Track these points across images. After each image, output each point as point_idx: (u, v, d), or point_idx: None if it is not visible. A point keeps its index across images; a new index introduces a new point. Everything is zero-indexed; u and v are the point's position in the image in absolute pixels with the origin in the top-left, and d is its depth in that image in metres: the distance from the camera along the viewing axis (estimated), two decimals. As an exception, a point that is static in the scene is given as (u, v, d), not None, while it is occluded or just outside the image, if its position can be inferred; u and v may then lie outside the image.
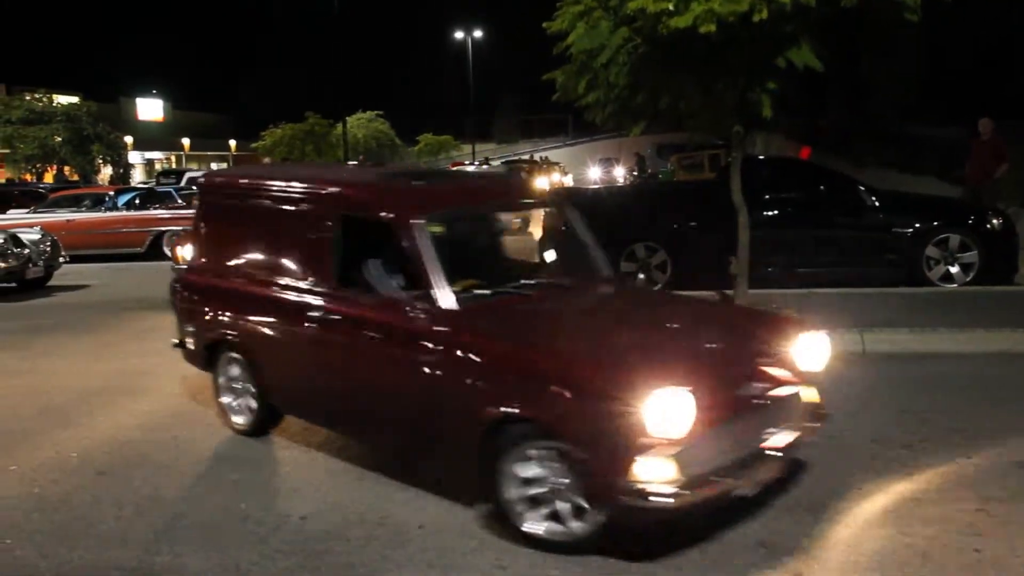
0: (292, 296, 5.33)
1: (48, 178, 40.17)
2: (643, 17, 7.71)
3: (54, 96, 43.06)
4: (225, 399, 6.08)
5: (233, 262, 5.94)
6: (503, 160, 42.28)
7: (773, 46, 7.81)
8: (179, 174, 31.06)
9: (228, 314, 5.87)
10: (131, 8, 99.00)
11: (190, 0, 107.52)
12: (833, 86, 23.65)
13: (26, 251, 13.45)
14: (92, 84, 56.08)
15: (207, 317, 6.06)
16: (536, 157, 45.22)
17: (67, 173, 40.78)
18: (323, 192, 5.41)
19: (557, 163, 43.35)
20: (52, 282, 14.23)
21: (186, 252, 10.33)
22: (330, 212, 5.19)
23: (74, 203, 19.44)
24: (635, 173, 35.06)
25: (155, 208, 18.92)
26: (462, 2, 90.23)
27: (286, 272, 5.45)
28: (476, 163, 41.88)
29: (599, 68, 8.46)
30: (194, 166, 57.85)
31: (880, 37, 9.41)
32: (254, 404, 5.84)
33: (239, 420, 6.00)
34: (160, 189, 22.38)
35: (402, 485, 4.97)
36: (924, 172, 20.33)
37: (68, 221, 17.90)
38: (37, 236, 14.07)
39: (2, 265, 12.90)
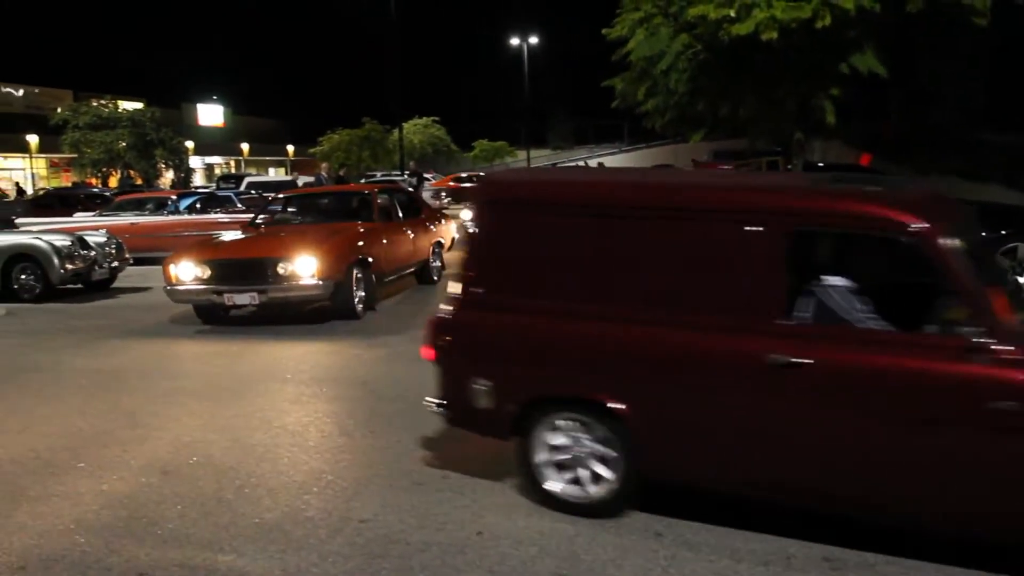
0: (723, 336, 4.17)
1: (112, 182, 41.13)
2: (704, 24, 7.71)
3: (119, 102, 44.06)
4: (547, 470, 4.70)
5: (577, 294, 4.55)
6: (554, 166, 42.12)
7: (836, 52, 7.75)
8: (238, 178, 31.55)
9: (578, 361, 4.52)
10: (194, 17, 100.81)
11: (251, 9, 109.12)
12: (894, 91, 23.26)
13: (92, 253, 13.77)
14: (155, 90, 57.10)
15: (527, 367, 4.65)
16: (591, 163, 45.03)
17: (131, 177, 41.70)
18: (794, 204, 4.24)
19: (593, 170, 43.22)
20: (116, 284, 14.54)
21: (181, 271, 10.16)
22: (787, 227, 4.10)
23: (138, 207, 19.86)
24: None
25: (215, 212, 19.21)
26: (519, 9, 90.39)
27: (695, 304, 4.28)
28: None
29: (659, 75, 8.48)
30: (252, 171, 58.70)
31: (946, 42, 9.27)
32: (608, 473, 4.54)
33: (575, 492, 4.64)
34: (220, 193, 22.72)
35: (460, 492, 4.99)
36: (990, 180, 19.88)
37: (132, 224, 18.25)
38: (103, 239, 14.40)
39: (69, 267, 13.22)
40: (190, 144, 48.31)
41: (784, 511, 4.32)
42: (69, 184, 47.76)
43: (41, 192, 34.14)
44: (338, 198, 13.77)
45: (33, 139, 49.28)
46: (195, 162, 55.16)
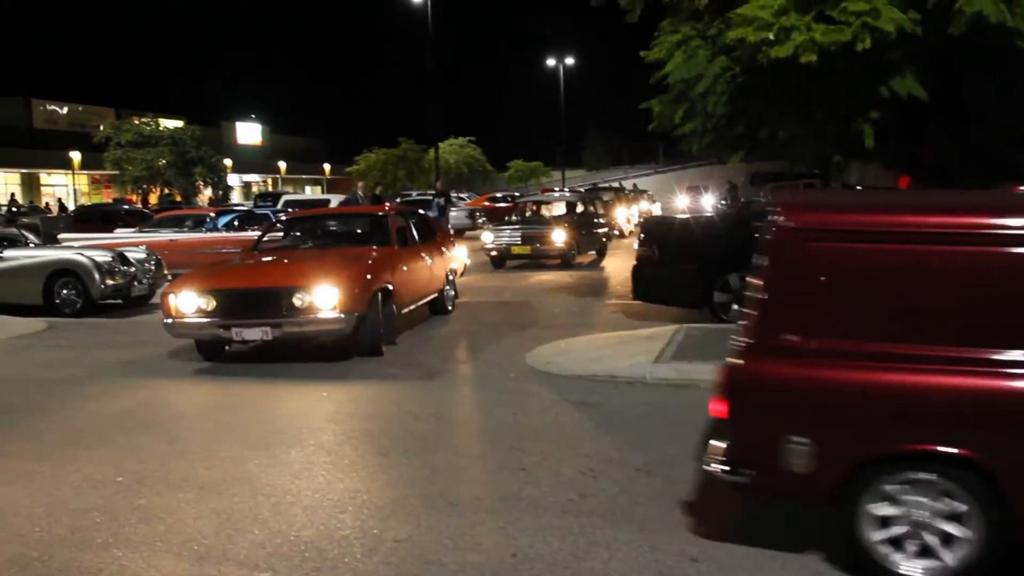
0: None
1: (152, 199, 41.72)
2: (742, 47, 7.69)
3: (160, 120, 44.74)
4: (879, 539, 4.03)
5: (922, 336, 3.93)
6: (587, 188, 41.96)
7: (876, 75, 7.69)
8: (275, 197, 31.84)
9: (938, 413, 3.91)
10: (233, 37, 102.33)
11: (289, 29, 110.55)
12: (934, 113, 23.01)
13: (132, 269, 13.95)
14: (195, 109, 58.10)
15: (865, 421, 4.01)
16: (626, 184, 45.02)
17: (170, 194, 42.29)
18: None
19: (645, 191, 42.97)
20: (154, 299, 14.70)
21: (182, 302, 8.90)
22: None
23: (177, 223, 20.11)
24: (725, 202, 34.49)
25: (253, 229, 19.39)
26: (555, 30, 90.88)
27: None
28: (567, 190, 41.99)
29: (696, 97, 8.45)
30: (289, 189, 59.29)
31: (989, 64, 9.17)
32: (963, 532, 3.91)
33: (912, 568, 3.99)
34: (258, 211, 22.96)
35: (495, 514, 4.98)
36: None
37: (171, 241, 18.47)
38: (143, 255, 14.59)
39: (110, 282, 13.39)
40: (228, 162, 48.90)
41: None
42: (110, 200, 48.58)
43: (78, 208, 34.63)
44: (350, 220, 12.69)
45: (76, 156, 50.14)
46: (233, 180, 55.81)
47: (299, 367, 9.18)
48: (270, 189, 60.60)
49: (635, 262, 11.55)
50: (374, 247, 10.57)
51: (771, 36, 7.34)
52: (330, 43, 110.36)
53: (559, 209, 22.75)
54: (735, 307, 10.62)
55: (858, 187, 11.44)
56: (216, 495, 5.39)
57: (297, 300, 8.70)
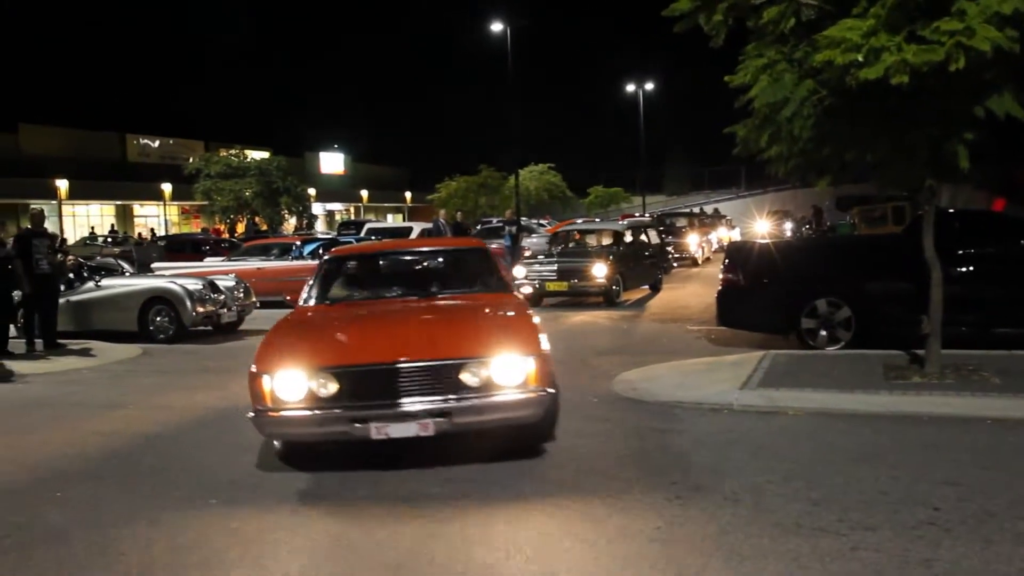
0: None
1: (239, 228, 42.82)
2: (830, 69, 7.55)
3: (247, 152, 45.95)
4: None
5: None
6: (660, 213, 41.40)
7: (970, 95, 7.48)
8: (359, 225, 32.37)
9: None
10: (316, 69, 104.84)
11: (370, 59, 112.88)
12: (1030, 134, 22.25)
13: (222, 297, 14.32)
14: (281, 140, 59.47)
15: None
16: (707, 209, 44.54)
17: (257, 223, 43.33)
18: None
19: (723, 216, 42.21)
20: (243, 326, 15.06)
21: (285, 386, 6.18)
22: None
23: (263, 252, 20.60)
24: (807, 227, 33.76)
25: (338, 257, 19.71)
26: (634, 55, 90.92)
27: None
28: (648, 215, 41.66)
29: (782, 121, 8.32)
30: (371, 217, 60.25)
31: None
32: None
33: None
34: (342, 239, 23.37)
35: (583, 542, 4.94)
36: None
37: (258, 269, 18.93)
38: (232, 283, 14.98)
39: (201, 309, 13.77)
40: (312, 191, 49.93)
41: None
42: (197, 230, 50.06)
43: (159, 239, 35.63)
44: (442, 257, 9.42)
45: (167, 187, 51.84)
46: (316, 209, 56.97)
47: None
48: (352, 218, 61.69)
49: (720, 287, 11.44)
50: (511, 294, 8.16)
51: (860, 58, 7.19)
52: (411, 72, 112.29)
53: (606, 239, 20.12)
54: (823, 333, 10.43)
55: (950, 210, 11.14)
56: (305, 521, 5.46)
57: (470, 376, 6.16)
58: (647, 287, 19.46)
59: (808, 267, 11.12)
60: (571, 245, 19.49)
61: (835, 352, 10.15)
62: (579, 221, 40.37)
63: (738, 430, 7.25)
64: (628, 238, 18.99)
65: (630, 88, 56.88)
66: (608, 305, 16.81)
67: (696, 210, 43.85)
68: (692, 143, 73.33)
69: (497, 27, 37.79)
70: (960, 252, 10.12)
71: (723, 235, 35.69)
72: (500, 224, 27.27)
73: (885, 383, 8.25)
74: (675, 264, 25.87)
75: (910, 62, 6.98)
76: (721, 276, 11.54)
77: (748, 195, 62.84)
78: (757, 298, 11.02)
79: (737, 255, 11.80)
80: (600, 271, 16.53)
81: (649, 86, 56.62)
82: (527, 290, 14.90)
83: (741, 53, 8.96)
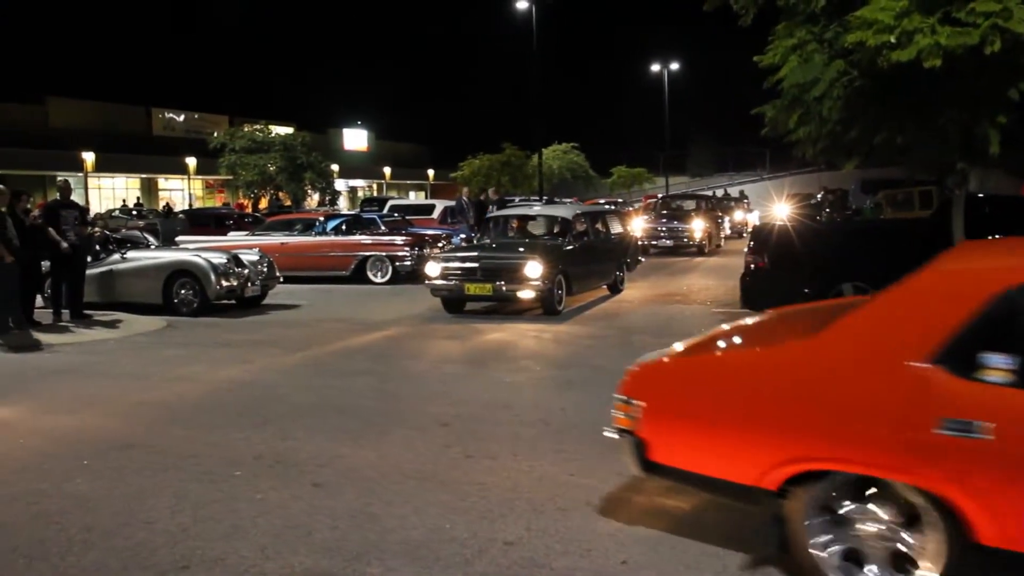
0: None
1: (263, 203, 42.95)
2: (861, 50, 7.48)
3: (272, 127, 46.02)
4: None
5: None
6: (662, 196, 40.65)
7: (1005, 77, 7.38)
8: (381, 202, 32.39)
9: None
10: (340, 45, 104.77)
11: (394, 36, 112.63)
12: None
13: (246, 271, 14.38)
14: (304, 116, 59.66)
15: None
16: (731, 191, 44.17)
17: (281, 198, 43.45)
18: None
19: (739, 198, 40.61)
20: (266, 301, 15.13)
21: None
22: None
23: (287, 227, 20.66)
24: (828, 210, 33.28)
25: (360, 234, 19.79)
26: (659, 35, 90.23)
27: None
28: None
29: (811, 102, 8.27)
30: (394, 194, 60.31)
31: None
32: None
33: None
34: (365, 216, 23.41)
35: (607, 519, 4.96)
36: None
37: (282, 244, 19.00)
38: (256, 257, 15.04)
39: (225, 283, 13.83)
40: (335, 167, 49.98)
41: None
42: (219, 204, 50.32)
43: (176, 211, 35.80)
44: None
45: (192, 161, 52.08)
46: (339, 185, 57.07)
47: (416, 363, 9.30)
48: (375, 194, 61.77)
49: (744, 270, 11.39)
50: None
51: (892, 39, 7.11)
52: (435, 50, 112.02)
53: (552, 226, 15.55)
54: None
55: (979, 194, 11.02)
56: (328, 491, 5.50)
57: None
58: (604, 287, 15.75)
59: (834, 251, 11.03)
60: (508, 235, 15.33)
61: (860, 336, 10.06)
62: (601, 201, 40.24)
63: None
64: (579, 228, 14.64)
65: (655, 68, 56.51)
66: (547, 315, 12.93)
67: (720, 192, 43.52)
68: (716, 125, 73.10)
69: (522, 5, 37.60)
70: (990, 238, 10.00)
71: (740, 219, 34.97)
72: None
73: (909, 368, 8.17)
74: (680, 253, 24.80)
75: (944, 45, 6.90)
76: (745, 258, 11.48)
77: (772, 177, 62.49)
78: (781, 281, 10.95)
79: (761, 238, 11.73)
80: (534, 270, 12.48)
81: (674, 66, 56.29)
82: (441, 293, 13.22)
83: (770, 33, 8.90)
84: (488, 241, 14.89)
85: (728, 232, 31.36)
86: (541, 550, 4.57)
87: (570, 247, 13.94)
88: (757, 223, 30.11)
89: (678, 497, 5.23)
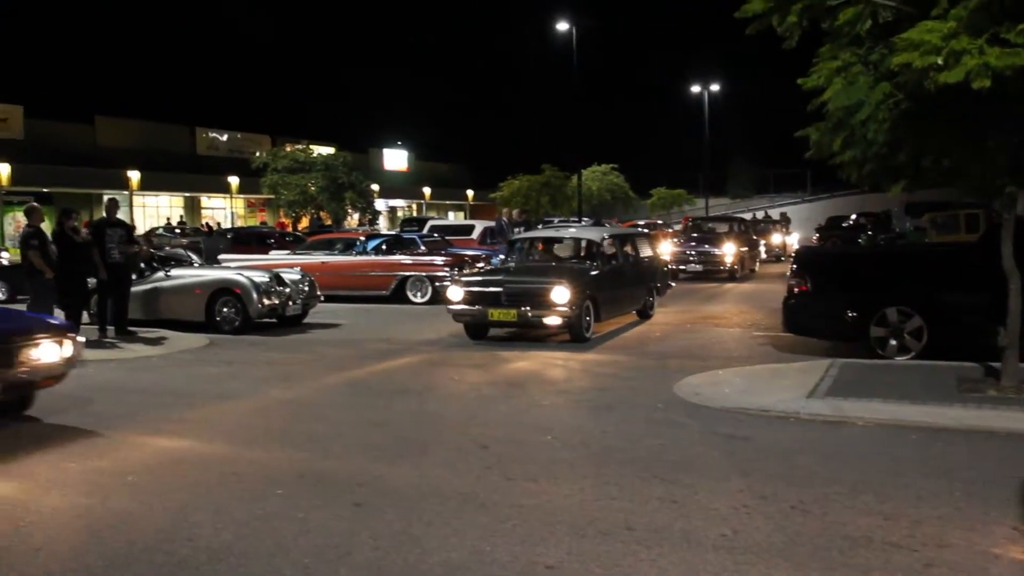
0: None
1: (304, 222, 43.34)
2: (907, 72, 7.38)
3: (313, 147, 46.46)
4: None
5: None
6: (694, 217, 40.24)
7: (1056, 98, 7.26)
8: (421, 222, 32.56)
9: None
10: (380, 66, 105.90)
11: (434, 57, 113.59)
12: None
13: (287, 290, 14.50)
14: (345, 136, 60.13)
15: None
16: (772, 213, 43.82)
17: (321, 218, 43.82)
18: None
19: (777, 220, 39.68)
20: (307, 319, 15.24)
21: None
22: None
23: (328, 247, 20.84)
24: (870, 233, 32.79)
25: (400, 254, 19.89)
26: (699, 56, 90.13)
27: None
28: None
29: (857, 125, 8.17)
30: (434, 214, 60.57)
31: None
32: None
33: None
34: (405, 236, 23.54)
35: (646, 546, 4.90)
36: None
37: (323, 263, 19.15)
38: (297, 276, 15.16)
39: (267, 302, 13.95)
40: (375, 187, 50.30)
41: None
42: (259, 223, 50.88)
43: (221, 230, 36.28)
44: None
45: (234, 180, 52.70)
46: (379, 205, 57.41)
47: (456, 385, 9.30)
48: (415, 214, 62.07)
49: (786, 293, 11.28)
50: None
51: (939, 61, 7.02)
52: (475, 70, 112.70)
53: (579, 249, 15.12)
54: (893, 342, 10.21)
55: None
56: (368, 511, 5.50)
57: None
58: (634, 312, 15.16)
59: (878, 274, 10.91)
60: (534, 258, 14.99)
61: (905, 362, 9.94)
62: (641, 223, 40.13)
63: (805, 439, 7.13)
64: (607, 251, 14.17)
65: (695, 89, 56.38)
66: (575, 342, 12.34)
67: (760, 214, 43.21)
68: (757, 145, 72.53)
69: (563, 26, 37.73)
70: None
71: (778, 242, 34.23)
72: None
73: (958, 396, 8.05)
74: (710, 279, 23.69)
75: (992, 65, 6.79)
76: (788, 282, 11.38)
77: (814, 199, 61.97)
78: (824, 304, 10.84)
79: (805, 260, 11.64)
80: (562, 295, 11.87)
81: (715, 87, 56.11)
82: (463, 319, 12.74)
83: (814, 55, 8.83)
84: (512, 264, 14.38)
85: (764, 256, 30.13)
86: (581, 574, 4.53)
87: (599, 271, 13.41)
88: (798, 246, 29.67)
89: (721, 523, 5.17)
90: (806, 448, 6.86)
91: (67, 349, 8.02)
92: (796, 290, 11.08)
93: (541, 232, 17.70)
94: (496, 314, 12.29)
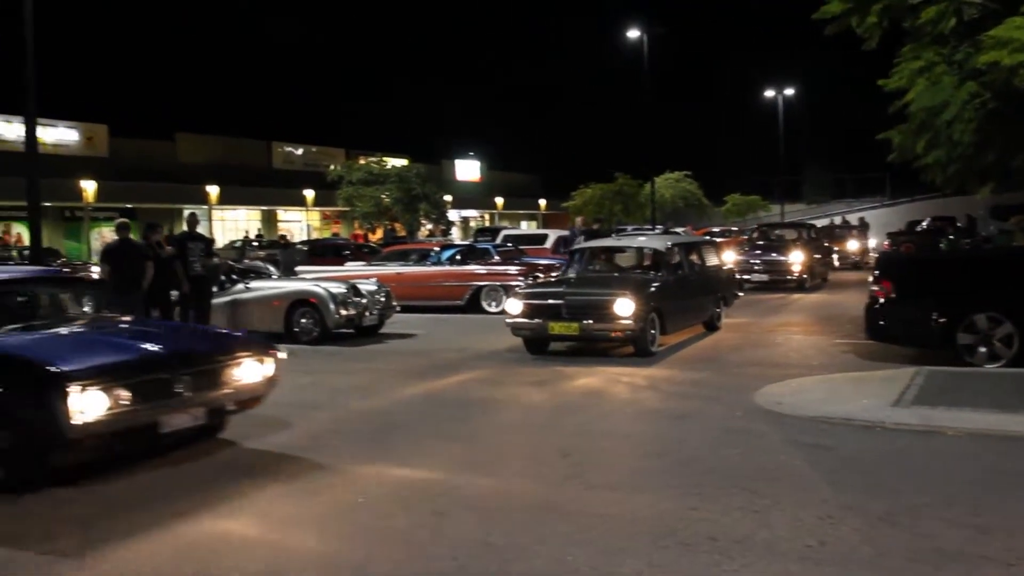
0: None
1: (377, 234, 43.85)
2: (995, 71, 7.20)
3: (386, 159, 47.01)
4: None
5: None
6: (759, 224, 38.91)
7: None
8: (494, 231, 32.64)
9: None
10: (452, 78, 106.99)
11: (505, 67, 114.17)
12: None
13: (364, 300, 14.66)
14: (417, 148, 60.68)
15: None
16: (850, 219, 42.81)
17: (394, 229, 44.27)
18: None
19: (855, 226, 36.97)
20: (383, 330, 15.38)
21: None
22: None
23: (403, 257, 21.02)
24: (951, 236, 31.70)
25: (474, 264, 19.96)
26: (774, 60, 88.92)
27: None
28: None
29: (941, 126, 7.99)
30: (506, 223, 60.74)
31: None
32: None
33: None
34: (479, 245, 23.63)
35: (728, 557, 4.81)
36: None
37: (398, 274, 19.30)
38: (374, 287, 15.32)
39: (344, 312, 14.12)
40: (448, 198, 50.67)
41: None
42: (329, 235, 51.65)
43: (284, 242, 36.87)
44: None
45: (310, 194, 53.63)
46: (452, 215, 57.81)
47: (541, 395, 9.31)
48: (487, 224, 62.34)
49: (869, 299, 11.03)
50: None
51: (1029, 58, 6.84)
52: (546, 79, 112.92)
53: (643, 259, 14.54)
54: (982, 350, 9.91)
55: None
56: (449, 520, 5.52)
57: None
58: (700, 324, 14.43)
59: (966, 279, 10.59)
60: (594, 267, 14.31)
61: (996, 370, 9.63)
62: (715, 230, 39.60)
63: (891, 449, 6.95)
64: (673, 260, 13.54)
65: (770, 93, 55.50)
66: (639, 355, 11.73)
67: (838, 220, 42.31)
68: (834, 150, 71.22)
69: (634, 33, 37.57)
70: None
71: (855, 248, 32.15)
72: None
73: (1053, 405, 7.76)
74: (776, 289, 22.21)
75: (1088, 62, 6.57)
76: (871, 288, 11.12)
77: (894, 203, 60.54)
78: (909, 311, 10.57)
79: (888, 265, 11.36)
80: (626, 308, 11.28)
81: (789, 91, 55.13)
82: (522, 333, 12.21)
83: (896, 56, 8.66)
84: (573, 276, 13.65)
85: (837, 264, 28.56)
86: (665, 586, 4.48)
87: (664, 281, 12.69)
88: (877, 252, 28.65)
89: (806, 534, 5.06)
90: (892, 458, 6.69)
91: (268, 367, 7.50)
92: (879, 296, 10.82)
93: (602, 241, 16.90)
94: (557, 327, 11.75)
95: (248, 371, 7.32)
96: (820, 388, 9.23)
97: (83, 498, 6.16)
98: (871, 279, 11.26)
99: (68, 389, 5.94)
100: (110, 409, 6.16)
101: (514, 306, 12.24)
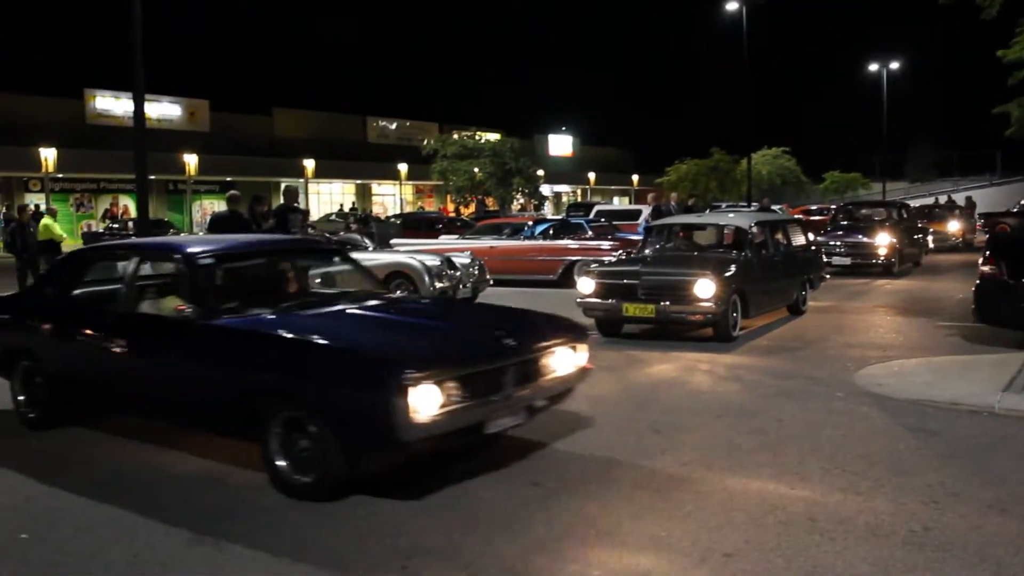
0: None
1: (470, 208, 44.09)
2: None
3: (480, 133, 47.17)
4: None
5: None
6: (845, 202, 36.97)
7: None
8: (587, 207, 32.49)
9: None
10: (545, 52, 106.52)
11: (598, 41, 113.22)
12: None
13: (458, 273, 14.79)
14: (511, 122, 60.70)
15: None
16: (955, 198, 41.29)
17: (486, 204, 44.46)
18: None
19: (961, 206, 34.45)
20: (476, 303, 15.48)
21: None
22: None
23: (496, 231, 21.10)
24: None
25: (567, 239, 19.92)
26: (876, 33, 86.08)
27: None
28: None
29: (1064, 98, 7.62)
30: (599, 199, 60.45)
31: None
32: None
33: None
34: (572, 221, 23.55)
35: (830, 538, 4.72)
36: None
37: (491, 248, 19.38)
38: (467, 260, 15.45)
39: (438, 285, 14.27)
40: (541, 173, 50.66)
41: None
42: (425, 208, 52.20)
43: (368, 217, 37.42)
44: None
45: (403, 168, 54.27)
46: (544, 190, 57.79)
47: (643, 372, 9.28)
48: (579, 199, 62.13)
49: (978, 281, 10.63)
50: None
51: None
52: (640, 53, 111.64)
53: (724, 238, 13.72)
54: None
55: None
56: (546, 492, 5.54)
57: None
58: (784, 308, 13.52)
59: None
60: (671, 245, 13.35)
61: (1114, 356, 9.20)
62: (813, 207, 38.63)
63: (1001, 435, 6.71)
64: (757, 239, 12.60)
65: (873, 67, 53.73)
66: (719, 340, 11.03)
67: (943, 199, 40.84)
68: (940, 125, 68.78)
69: (732, 5, 36.78)
70: None
71: (956, 229, 29.47)
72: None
73: None
74: (859, 273, 20.19)
75: None
76: (980, 269, 10.71)
77: (1003, 182, 58.19)
78: (1021, 293, 10.15)
79: (999, 245, 10.93)
80: (706, 289, 10.60)
81: (894, 65, 53.26)
82: (595, 314, 11.53)
83: (1017, 25, 8.29)
84: (650, 254, 12.84)
85: (932, 245, 26.16)
86: (762, 564, 4.42)
87: (747, 262, 11.88)
88: (986, 232, 27.17)
89: (911, 518, 4.93)
90: (1001, 444, 6.46)
91: (581, 355, 6.58)
92: (990, 277, 10.42)
93: (681, 218, 16.12)
94: (631, 309, 11.06)
95: (562, 360, 6.37)
96: (924, 371, 8.96)
97: (388, 509, 5.39)
98: (980, 260, 10.84)
99: (406, 383, 5.10)
100: (443, 407, 5.29)
101: (586, 285, 11.56)
